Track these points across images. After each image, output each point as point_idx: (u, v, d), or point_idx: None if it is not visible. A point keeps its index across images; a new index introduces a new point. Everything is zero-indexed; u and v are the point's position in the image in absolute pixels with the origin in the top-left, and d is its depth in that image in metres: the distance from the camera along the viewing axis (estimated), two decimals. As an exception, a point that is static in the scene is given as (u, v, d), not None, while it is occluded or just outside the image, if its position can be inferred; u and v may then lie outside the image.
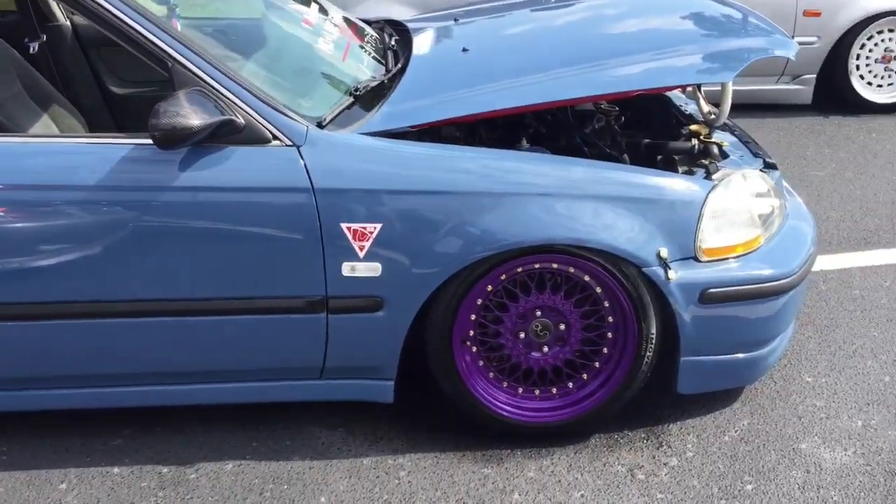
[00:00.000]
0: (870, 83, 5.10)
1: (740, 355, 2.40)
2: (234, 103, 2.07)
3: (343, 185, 2.11)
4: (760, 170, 2.62)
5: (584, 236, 2.18)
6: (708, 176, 2.38)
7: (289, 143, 2.11)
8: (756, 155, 2.71)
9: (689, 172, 2.45)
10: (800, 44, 4.84)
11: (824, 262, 3.35)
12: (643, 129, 3.08)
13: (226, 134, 2.06)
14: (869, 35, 4.98)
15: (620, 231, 2.20)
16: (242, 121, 2.07)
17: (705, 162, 2.48)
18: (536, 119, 2.83)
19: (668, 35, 2.70)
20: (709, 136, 2.77)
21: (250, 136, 2.09)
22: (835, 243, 3.52)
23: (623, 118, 3.05)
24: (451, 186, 2.15)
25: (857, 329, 2.90)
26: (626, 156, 2.77)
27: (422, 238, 2.14)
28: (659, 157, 2.76)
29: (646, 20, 2.94)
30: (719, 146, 2.71)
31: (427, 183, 2.14)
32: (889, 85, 5.10)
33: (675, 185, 2.29)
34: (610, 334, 2.34)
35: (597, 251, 2.20)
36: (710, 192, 2.28)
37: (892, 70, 5.06)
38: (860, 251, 3.46)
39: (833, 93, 5.11)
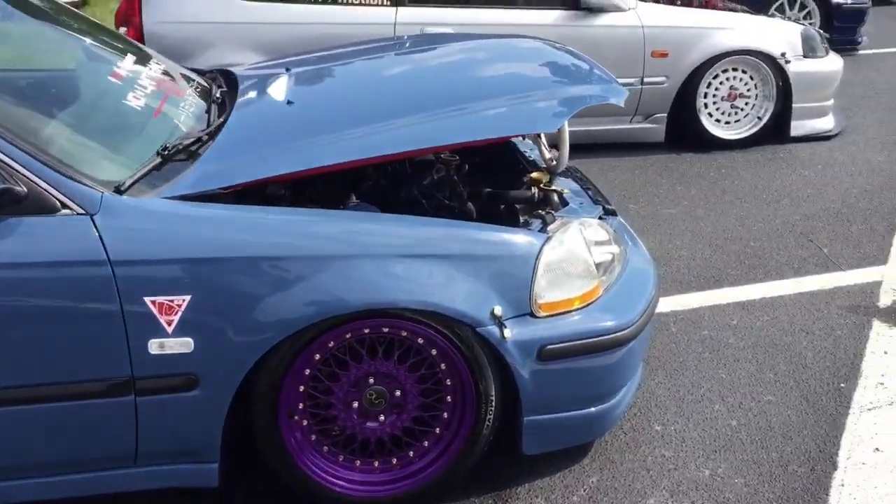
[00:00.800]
0: (718, 120, 5.25)
1: (585, 410, 2.32)
2: (14, 169, 1.86)
3: (144, 256, 1.93)
4: (600, 217, 2.59)
5: (411, 299, 2.07)
6: (544, 227, 2.31)
7: (80, 211, 1.91)
8: (595, 202, 2.68)
9: (526, 224, 2.38)
10: (649, 84, 5.06)
11: (675, 303, 3.36)
12: (488, 176, 3.03)
13: (6, 204, 1.85)
14: (714, 74, 5.13)
15: (451, 291, 2.09)
16: (24, 189, 1.86)
17: (542, 212, 2.42)
18: (376, 170, 2.72)
19: (501, 83, 2.65)
20: (549, 183, 2.73)
21: (36, 206, 1.88)
22: (685, 283, 3.54)
23: (467, 165, 2.99)
24: (265, 251, 2.00)
25: (706, 371, 2.89)
26: (470, 205, 2.70)
27: (236, 308, 1.98)
28: (502, 207, 2.71)
29: (484, 67, 2.90)
30: (559, 194, 2.67)
31: (237, 249, 1.98)
32: (736, 122, 5.27)
33: (508, 239, 2.21)
34: (449, 398, 2.23)
35: (427, 313, 2.09)
36: (544, 244, 2.21)
37: (737, 107, 5.22)
38: (709, 290, 3.48)
39: (684, 130, 5.23)
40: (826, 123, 5.42)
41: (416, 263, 2.10)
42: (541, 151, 2.99)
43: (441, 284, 2.09)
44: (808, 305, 3.33)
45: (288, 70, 2.91)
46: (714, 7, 5.62)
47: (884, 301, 3.35)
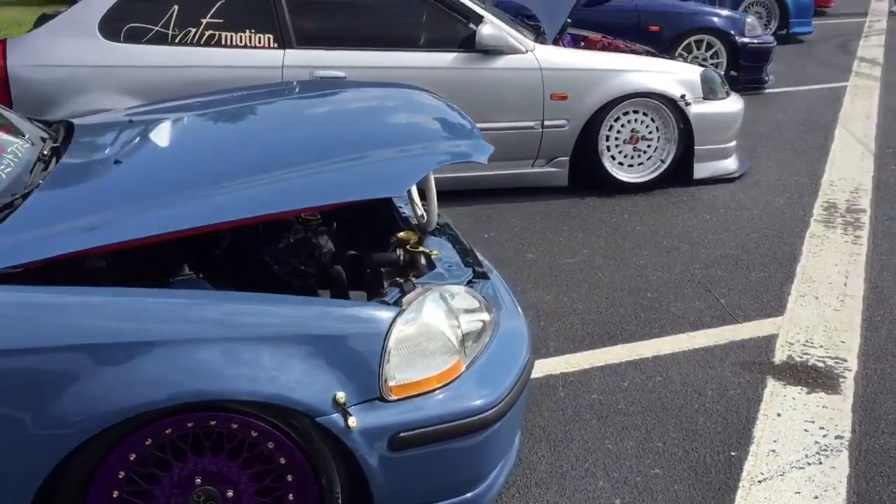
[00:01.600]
0: (621, 163, 5.14)
1: (448, 501, 2.10)
2: None
3: None
4: (469, 281, 2.39)
5: (239, 389, 1.82)
6: (401, 297, 2.10)
7: None
8: (466, 263, 2.48)
9: (380, 294, 2.17)
10: (550, 127, 4.93)
11: (566, 364, 3.18)
12: (361, 233, 2.81)
13: None
14: (615, 117, 5.03)
15: (285, 377, 1.86)
16: None
17: (401, 280, 2.21)
18: (229, 231, 2.47)
19: (357, 139, 2.43)
20: (418, 243, 2.53)
21: None
22: (578, 340, 3.36)
23: (336, 223, 2.78)
24: (54, 340, 1.73)
25: (592, 442, 2.70)
26: (337, 268, 2.48)
27: (21, 411, 1.71)
28: (367, 272, 2.49)
29: (346, 121, 2.69)
30: (427, 256, 2.47)
31: (14, 339, 1.71)
32: (639, 165, 5.17)
33: (353, 315, 1.98)
34: (290, 496, 1.98)
35: (258, 404, 1.85)
36: (395, 319, 1.99)
37: (640, 150, 5.13)
38: (603, 347, 3.31)
39: (588, 174, 5.11)
40: (729, 165, 5.37)
41: (247, 347, 1.86)
42: (412, 208, 2.79)
43: (274, 370, 1.85)
44: (703, 363, 3.18)
45: (132, 121, 2.66)
46: (617, 49, 5.55)
47: (779, 356, 3.22)
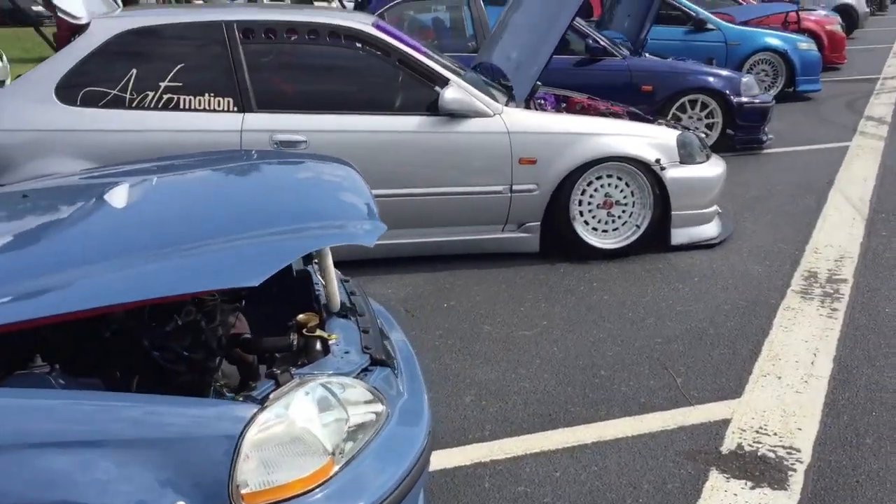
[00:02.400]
0: (595, 229, 4.98)
1: None
2: None
3: None
4: (365, 369, 2.24)
5: (66, 501, 1.67)
6: (273, 391, 1.94)
7: None
8: (366, 349, 2.32)
9: (249, 388, 2.02)
10: (519, 192, 4.79)
11: (498, 450, 2.99)
12: (272, 312, 2.67)
13: None
14: (588, 181, 4.89)
15: (118, 488, 1.70)
16: None
17: (278, 371, 2.06)
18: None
19: (236, 217, 2.27)
20: (316, 327, 2.39)
21: None
22: (516, 423, 3.18)
23: (244, 301, 2.64)
24: None
25: (508, 541, 2.51)
26: (232, 355, 2.35)
27: None
28: (256, 359, 2.35)
29: (233, 194, 2.54)
30: (324, 340, 2.32)
31: None
32: (614, 230, 5.00)
33: (203, 415, 1.82)
34: None
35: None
36: (254, 417, 1.83)
37: (614, 215, 4.97)
38: (541, 431, 3.11)
39: (560, 240, 4.96)
40: (709, 231, 5.18)
41: (78, 454, 1.71)
42: (325, 286, 2.65)
43: (104, 481, 1.70)
44: (645, 451, 2.97)
45: (25, 196, 2.56)
46: (596, 110, 5.43)
47: (728, 444, 3.00)
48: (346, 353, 2.30)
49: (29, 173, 4.22)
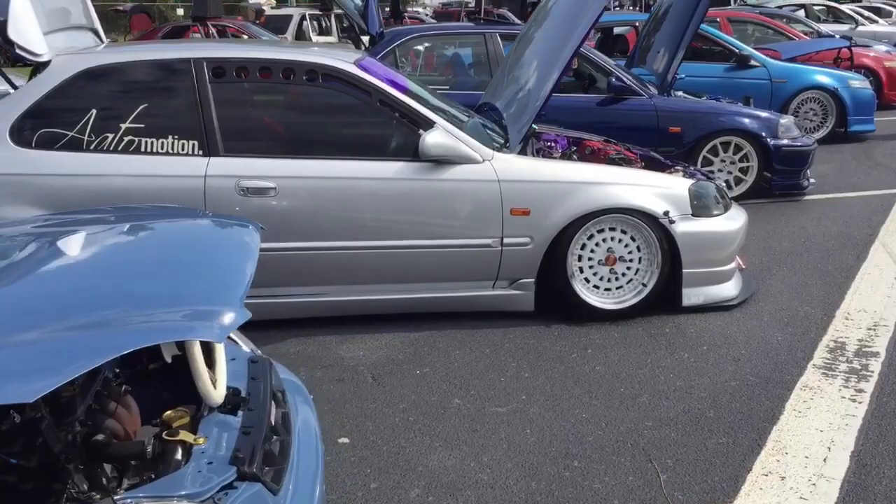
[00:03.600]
0: (596, 287, 4.51)
1: None
2: None
3: None
4: (225, 486, 1.84)
5: None
6: None
7: None
8: (236, 458, 1.92)
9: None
10: (511, 245, 4.36)
11: (431, 563, 2.54)
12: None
13: None
14: (588, 234, 4.43)
15: None
16: None
17: (97, 496, 1.67)
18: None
19: (62, 302, 1.88)
20: (181, 429, 2.00)
21: None
22: (461, 527, 2.73)
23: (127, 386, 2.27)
24: None
25: None
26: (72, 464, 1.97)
27: None
28: (104, 467, 1.96)
29: (77, 270, 2.15)
30: (187, 445, 1.93)
31: None
32: (618, 288, 4.53)
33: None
34: None
35: None
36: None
37: (617, 273, 4.50)
38: (489, 539, 2.66)
39: (558, 298, 4.50)
40: (726, 291, 4.67)
41: None
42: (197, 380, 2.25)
43: None
44: (605, 572, 2.50)
45: None
46: (605, 155, 4.98)
47: (707, 568, 2.51)
48: (210, 463, 1.90)
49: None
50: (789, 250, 5.72)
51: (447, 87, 7.02)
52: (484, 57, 7.06)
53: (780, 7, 18.78)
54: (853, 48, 11.07)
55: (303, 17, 21.81)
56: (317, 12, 22.54)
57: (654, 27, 7.83)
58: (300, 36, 20.57)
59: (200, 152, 4.14)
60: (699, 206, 4.51)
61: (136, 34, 17.81)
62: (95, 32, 5.03)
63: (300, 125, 4.43)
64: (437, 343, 4.23)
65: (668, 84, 7.19)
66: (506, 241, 4.34)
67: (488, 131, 4.74)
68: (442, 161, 4.24)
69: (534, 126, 4.57)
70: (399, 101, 4.30)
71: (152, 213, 2.65)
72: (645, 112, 6.93)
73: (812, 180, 7.44)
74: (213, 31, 15.59)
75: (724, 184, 5.05)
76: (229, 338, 2.49)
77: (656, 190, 4.46)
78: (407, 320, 4.42)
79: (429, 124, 4.27)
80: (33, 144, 4.07)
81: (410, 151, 4.25)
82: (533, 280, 4.45)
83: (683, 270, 4.50)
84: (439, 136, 4.18)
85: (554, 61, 4.54)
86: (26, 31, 4.09)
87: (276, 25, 20.40)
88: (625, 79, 6.95)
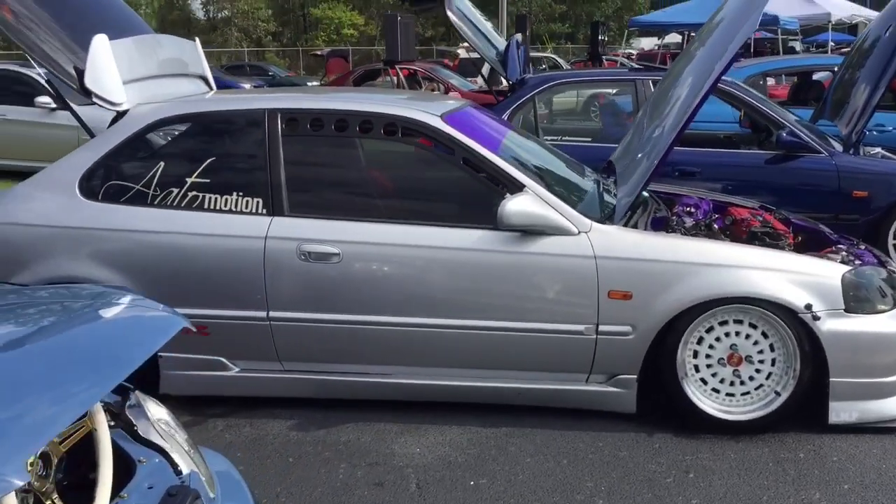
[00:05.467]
0: (716, 391, 3.69)
1: None
2: None
3: None
4: None
5: None
6: None
7: None
8: None
9: None
10: (608, 334, 3.66)
11: None
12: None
13: None
14: (708, 326, 3.64)
15: None
16: None
17: None
18: None
19: None
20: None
21: None
22: None
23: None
24: None
25: None
26: None
27: None
28: None
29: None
30: None
31: None
32: (743, 395, 3.67)
33: None
34: None
35: None
36: None
37: (742, 375, 3.65)
38: None
39: (666, 401, 3.73)
40: (890, 407, 3.67)
41: None
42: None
43: None
44: None
45: None
46: (748, 227, 4.15)
47: None
48: None
49: (45, 273, 3.84)
50: None
51: (589, 140, 6.38)
52: (635, 106, 6.33)
53: None
54: None
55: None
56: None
57: (849, 74, 6.74)
58: (493, 79, 20.54)
59: (264, 211, 3.80)
60: (857, 299, 3.59)
61: (331, 77, 18.44)
62: (205, 80, 4.90)
63: (374, 184, 4.01)
64: (508, 445, 3.59)
65: (854, 139, 6.11)
66: (601, 328, 3.65)
67: (607, 196, 4.09)
68: (529, 231, 3.64)
69: (645, 193, 3.86)
70: (485, 160, 3.75)
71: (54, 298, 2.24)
72: (823, 172, 5.89)
73: None
74: (401, 74, 15.80)
75: (897, 270, 4.05)
76: (160, 449, 2.04)
77: (798, 277, 3.59)
78: (484, 412, 3.82)
79: (517, 187, 3.69)
80: (100, 197, 3.91)
81: (494, 218, 3.68)
82: (635, 377, 3.71)
83: (830, 379, 3.58)
84: (523, 203, 3.57)
85: (677, 115, 3.82)
86: (105, 80, 3.95)
87: (470, 70, 20.49)
88: (800, 133, 5.96)
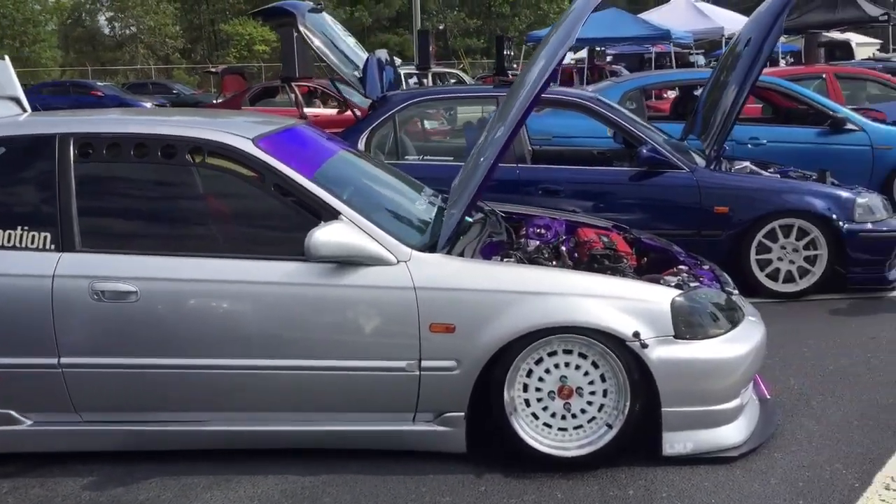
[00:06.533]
0: (547, 426, 3.47)
1: None
2: None
3: None
4: None
5: None
6: None
7: None
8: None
9: None
10: (432, 370, 3.40)
11: None
12: None
13: None
14: (537, 358, 3.43)
15: None
16: None
17: None
18: None
19: None
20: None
21: None
22: None
23: None
24: None
25: None
26: None
27: None
28: None
29: None
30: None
31: None
32: (576, 429, 3.46)
33: None
34: None
35: None
36: None
37: (573, 408, 3.45)
38: None
39: (495, 437, 3.51)
40: (725, 436, 3.51)
41: None
42: None
43: None
44: None
45: None
46: (589, 250, 3.97)
47: None
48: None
49: None
50: (845, 371, 4.45)
51: (451, 159, 6.18)
52: (496, 124, 6.15)
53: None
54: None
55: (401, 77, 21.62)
56: (414, 71, 22.31)
57: (714, 90, 6.72)
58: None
59: (52, 247, 3.44)
60: (688, 325, 3.43)
61: (227, 95, 17.92)
62: (18, 101, 4.51)
63: (177, 215, 3.68)
64: (324, 496, 3.30)
65: (714, 153, 6.06)
66: (425, 363, 3.40)
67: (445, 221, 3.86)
68: (345, 262, 3.38)
69: (468, 218, 3.65)
70: (298, 186, 3.47)
71: None
72: (684, 188, 5.81)
73: (902, 272, 6.09)
74: (297, 91, 15.44)
75: (736, 291, 3.91)
76: None
77: (625, 303, 3.41)
78: (306, 458, 3.53)
79: (332, 215, 3.43)
80: None
81: (292, 251, 3.40)
82: (463, 414, 3.47)
83: (662, 409, 3.42)
84: (332, 233, 3.30)
85: (502, 134, 3.62)
86: None
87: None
88: (660, 149, 5.87)
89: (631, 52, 25.39)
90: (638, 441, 3.47)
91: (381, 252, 3.38)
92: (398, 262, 3.40)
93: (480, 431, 3.52)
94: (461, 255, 3.56)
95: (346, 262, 3.37)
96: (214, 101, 19.93)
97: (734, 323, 3.59)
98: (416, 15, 27.93)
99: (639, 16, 19.87)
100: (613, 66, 26.62)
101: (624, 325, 3.36)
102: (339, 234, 3.31)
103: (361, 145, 6.05)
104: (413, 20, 27.72)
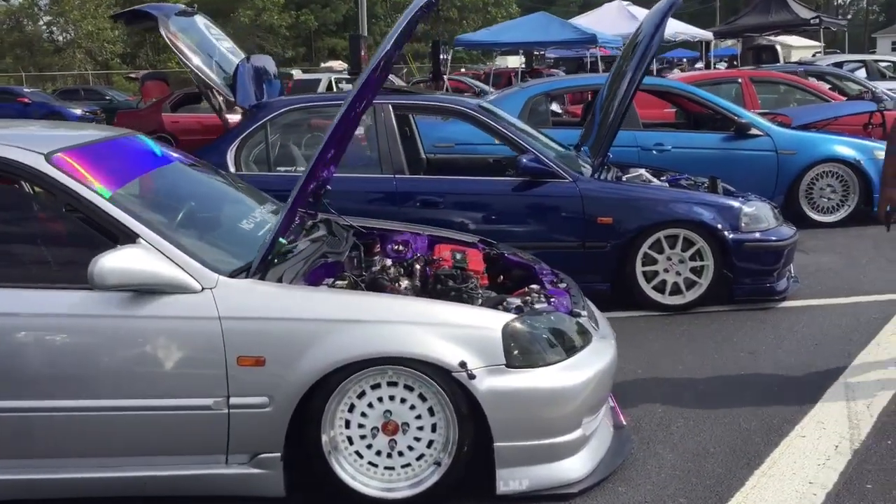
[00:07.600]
0: (372, 465, 3.18)
1: None
2: None
3: None
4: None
5: None
6: None
7: None
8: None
9: None
10: (242, 408, 3.08)
11: None
12: None
13: None
14: (358, 391, 3.14)
15: None
16: None
17: None
18: None
19: None
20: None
21: None
22: None
23: None
24: None
25: None
26: None
27: None
28: None
29: None
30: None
31: None
32: (403, 468, 3.17)
33: None
34: None
35: None
36: None
37: (398, 446, 3.17)
38: None
39: (317, 478, 3.22)
40: (565, 470, 3.23)
41: None
42: None
43: None
44: None
45: None
46: (436, 269, 3.71)
47: None
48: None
49: None
50: (715, 392, 4.25)
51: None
52: (372, 132, 5.87)
53: (839, 65, 17.08)
54: (885, 112, 9.42)
55: (330, 82, 21.25)
56: (346, 76, 21.93)
57: (609, 94, 6.53)
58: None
59: None
60: (520, 352, 3.18)
61: (148, 101, 17.39)
62: None
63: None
64: (116, 551, 2.99)
65: (598, 162, 5.85)
66: (233, 400, 3.10)
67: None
68: (141, 290, 3.06)
69: (283, 240, 3.35)
70: (92, 207, 3.13)
71: None
72: (567, 199, 5.58)
73: (795, 279, 5.94)
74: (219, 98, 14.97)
75: (585, 313, 3.67)
76: None
77: (452, 330, 3.15)
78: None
79: (129, 238, 3.10)
80: None
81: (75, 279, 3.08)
82: (279, 455, 3.17)
83: (495, 444, 3.16)
84: (122, 259, 2.97)
85: (323, 146, 3.34)
86: None
87: (306, 89, 19.76)
88: (543, 157, 5.63)
89: (572, 56, 25.38)
90: (472, 479, 3.20)
91: (181, 278, 3.07)
92: (203, 289, 3.09)
93: (307, 472, 3.23)
94: (280, 280, 3.27)
95: (142, 290, 3.05)
96: (136, 107, 19.38)
97: (576, 348, 3.35)
98: (362, 20, 27.55)
99: (569, 20, 19.80)
100: (552, 69, 26.61)
101: (449, 354, 3.09)
102: (130, 259, 2.99)
103: (231, 155, 5.73)
104: (360, 25, 27.30)
